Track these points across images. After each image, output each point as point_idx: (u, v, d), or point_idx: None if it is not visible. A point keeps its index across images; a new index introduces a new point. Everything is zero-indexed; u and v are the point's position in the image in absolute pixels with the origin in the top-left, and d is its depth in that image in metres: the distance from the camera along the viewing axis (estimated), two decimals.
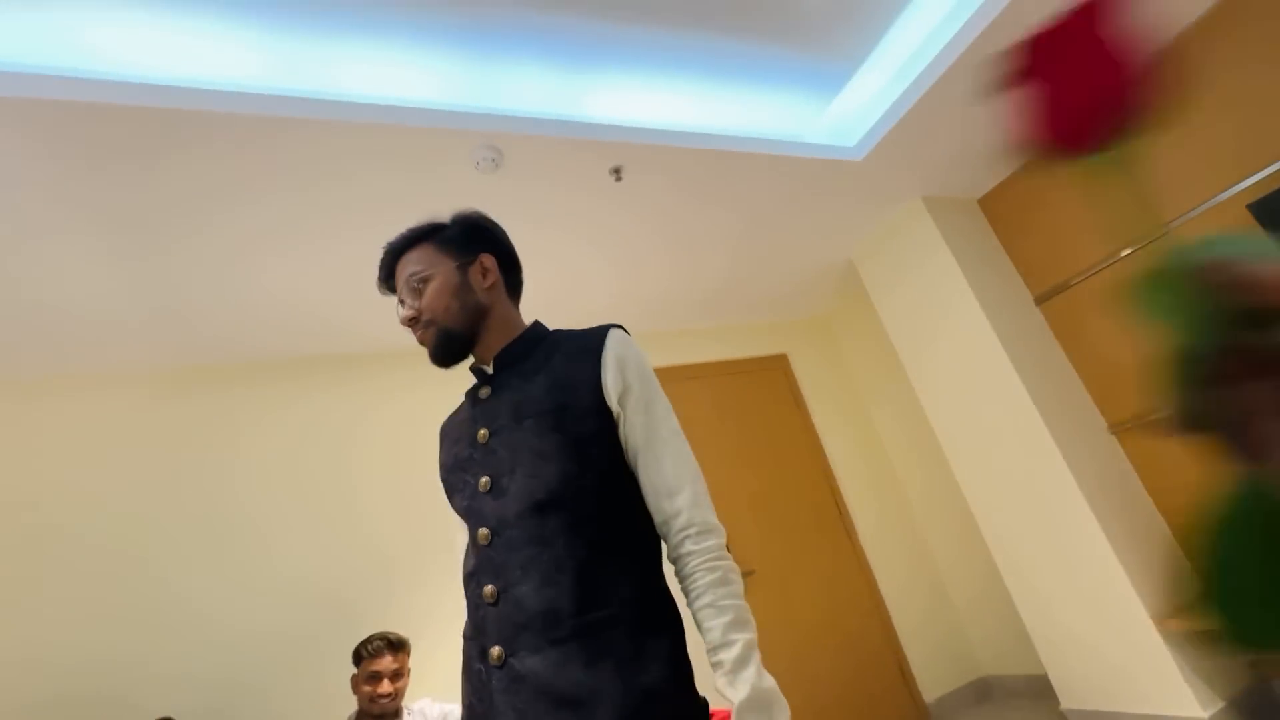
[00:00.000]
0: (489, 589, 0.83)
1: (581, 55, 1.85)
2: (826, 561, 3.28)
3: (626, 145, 2.02)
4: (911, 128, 2.29)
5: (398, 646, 1.97)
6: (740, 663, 0.74)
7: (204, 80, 1.56)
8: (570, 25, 1.73)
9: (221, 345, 2.40)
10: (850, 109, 2.38)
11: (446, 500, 0.98)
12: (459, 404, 1.05)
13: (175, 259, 1.91)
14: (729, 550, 0.83)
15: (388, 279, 1.00)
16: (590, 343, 0.93)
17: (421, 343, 0.96)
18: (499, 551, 0.84)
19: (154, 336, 2.23)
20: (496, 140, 1.85)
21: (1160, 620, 2.16)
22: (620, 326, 0.97)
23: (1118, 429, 2.51)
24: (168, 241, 1.84)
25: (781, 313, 3.79)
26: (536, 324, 1.03)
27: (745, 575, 3.03)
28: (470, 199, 2.03)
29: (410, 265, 0.97)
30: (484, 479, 0.89)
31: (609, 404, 0.88)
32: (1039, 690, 2.86)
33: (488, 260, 1.00)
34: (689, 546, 0.82)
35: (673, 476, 0.85)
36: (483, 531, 0.86)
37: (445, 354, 0.95)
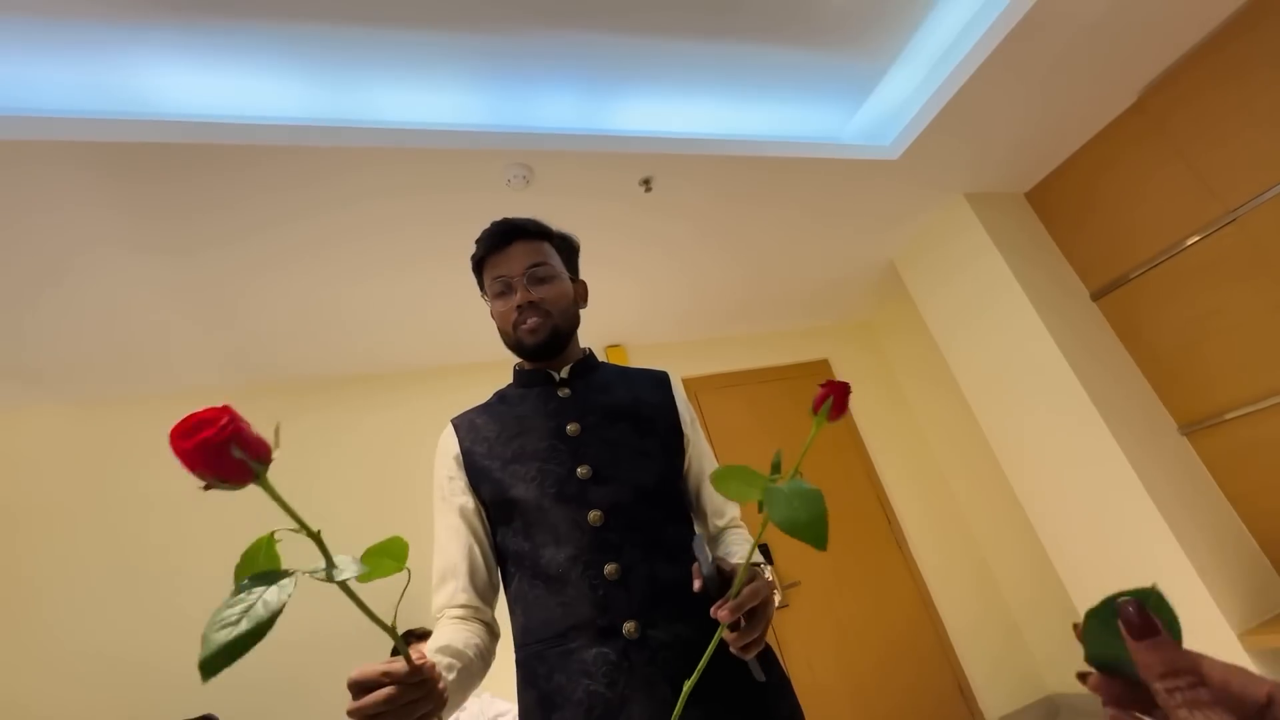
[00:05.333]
0: (611, 568, 0.87)
1: (608, 70, 1.86)
2: (875, 573, 3.17)
3: (655, 155, 2.02)
4: (949, 123, 2.21)
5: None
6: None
7: (250, 115, 1.64)
8: (595, 41, 1.75)
9: (280, 364, 2.52)
10: (884, 108, 2.32)
11: (470, 490, 0.97)
12: (481, 406, 1.06)
13: (227, 284, 2.01)
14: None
15: (501, 246, 1.01)
16: (653, 377, 1.11)
17: (523, 327, 0.98)
18: (615, 533, 0.90)
19: (215, 358, 2.35)
20: (525, 158, 1.87)
21: (1245, 634, 2.00)
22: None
23: (1189, 429, 2.36)
24: (216, 265, 1.94)
25: (821, 317, 3.71)
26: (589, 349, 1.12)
27: (789, 586, 2.97)
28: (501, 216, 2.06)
29: (532, 254, 1.01)
30: (583, 468, 0.94)
31: (683, 428, 1.06)
32: None
33: (581, 286, 1.08)
34: (733, 533, 1.06)
35: (723, 497, 1.07)
36: (594, 514, 0.90)
37: (549, 347, 1.00)
